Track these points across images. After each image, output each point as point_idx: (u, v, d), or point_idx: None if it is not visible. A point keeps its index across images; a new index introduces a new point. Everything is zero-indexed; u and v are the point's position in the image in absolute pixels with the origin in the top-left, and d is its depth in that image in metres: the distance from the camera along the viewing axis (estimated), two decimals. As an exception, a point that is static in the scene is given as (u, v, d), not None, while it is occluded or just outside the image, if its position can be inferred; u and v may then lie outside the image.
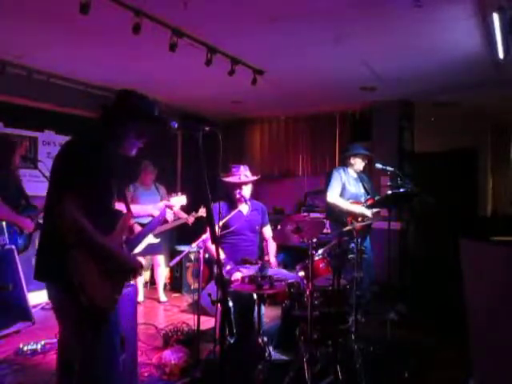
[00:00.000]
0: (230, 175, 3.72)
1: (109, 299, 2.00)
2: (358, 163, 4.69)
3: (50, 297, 2.08)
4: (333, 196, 4.53)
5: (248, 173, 3.76)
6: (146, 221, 3.88)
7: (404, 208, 5.96)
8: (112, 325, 2.04)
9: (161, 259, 5.51)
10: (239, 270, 3.47)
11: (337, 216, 4.55)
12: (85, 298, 1.89)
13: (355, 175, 4.75)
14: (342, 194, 4.57)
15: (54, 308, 2.10)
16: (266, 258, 3.83)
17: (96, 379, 1.98)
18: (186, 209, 5.39)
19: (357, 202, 4.56)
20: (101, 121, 2.17)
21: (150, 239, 5.17)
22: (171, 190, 5.93)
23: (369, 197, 4.61)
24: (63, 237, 1.86)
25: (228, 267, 3.51)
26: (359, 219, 4.35)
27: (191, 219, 4.89)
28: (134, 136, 2.16)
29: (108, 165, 2.03)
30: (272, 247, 3.92)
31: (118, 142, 2.13)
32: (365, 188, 4.70)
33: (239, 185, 3.69)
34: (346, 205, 4.48)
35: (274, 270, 3.67)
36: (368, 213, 4.39)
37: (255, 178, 3.77)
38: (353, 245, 3.57)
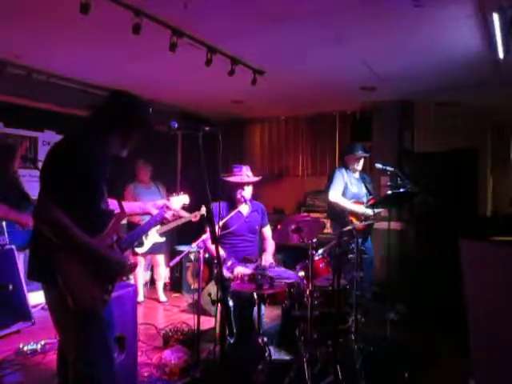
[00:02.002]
0: (232, 175, 3.71)
1: (97, 300, 1.98)
2: (352, 162, 4.68)
3: (44, 297, 2.09)
4: (335, 195, 4.52)
5: (250, 173, 3.75)
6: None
7: (404, 208, 5.95)
8: (104, 325, 2.03)
9: (161, 259, 5.52)
10: (240, 265, 3.46)
11: (338, 215, 4.55)
12: (71, 300, 1.87)
13: (357, 175, 4.74)
14: (343, 194, 4.57)
15: (48, 308, 2.10)
16: (263, 257, 3.72)
17: (89, 379, 1.97)
18: (188, 208, 5.41)
19: (358, 201, 4.56)
20: (91, 122, 2.15)
21: (156, 238, 5.21)
22: (172, 190, 5.94)
23: (371, 197, 4.61)
24: (49, 237, 1.86)
25: (229, 263, 3.49)
26: (361, 219, 4.34)
27: (197, 217, 4.92)
28: (124, 139, 2.16)
29: (95, 166, 1.99)
30: (270, 246, 3.90)
31: (107, 144, 2.11)
32: (367, 188, 4.70)
33: (241, 185, 3.68)
34: (347, 204, 4.48)
35: (275, 269, 3.66)
36: (370, 212, 4.39)
37: (257, 178, 3.76)
38: (353, 245, 3.57)
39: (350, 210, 4.46)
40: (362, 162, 4.74)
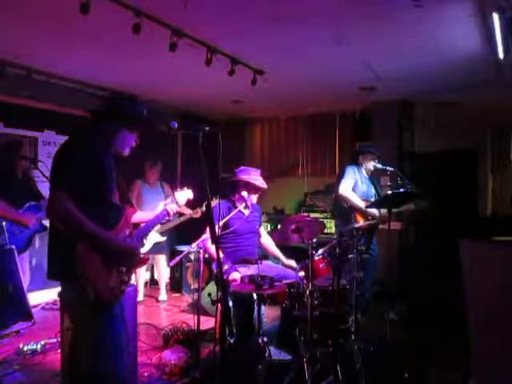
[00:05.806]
0: (250, 177, 3.67)
1: (115, 291, 2.05)
2: (366, 162, 4.67)
3: (63, 296, 2.14)
4: (345, 189, 4.46)
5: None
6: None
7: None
8: (118, 319, 2.08)
9: (162, 260, 5.53)
10: (237, 270, 3.47)
11: (344, 213, 4.52)
12: (92, 291, 1.93)
13: (367, 175, 4.73)
14: (353, 191, 4.53)
15: (64, 306, 2.16)
16: (286, 260, 3.84)
17: (100, 375, 2.00)
18: (189, 207, 5.41)
19: (366, 201, 4.53)
20: (93, 123, 2.26)
21: (157, 237, 5.22)
22: (173, 190, 5.92)
23: None
24: (62, 230, 1.93)
25: (225, 267, 3.49)
26: (367, 218, 4.33)
27: (198, 213, 4.92)
28: (125, 136, 2.24)
29: (100, 162, 2.08)
30: (272, 243, 3.93)
31: (109, 142, 2.21)
32: (376, 190, 4.68)
33: (260, 190, 3.68)
34: (356, 200, 4.43)
35: (275, 269, 3.66)
36: (377, 212, 4.36)
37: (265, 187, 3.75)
38: (362, 241, 3.56)
39: (359, 208, 4.42)
40: (374, 162, 4.70)
